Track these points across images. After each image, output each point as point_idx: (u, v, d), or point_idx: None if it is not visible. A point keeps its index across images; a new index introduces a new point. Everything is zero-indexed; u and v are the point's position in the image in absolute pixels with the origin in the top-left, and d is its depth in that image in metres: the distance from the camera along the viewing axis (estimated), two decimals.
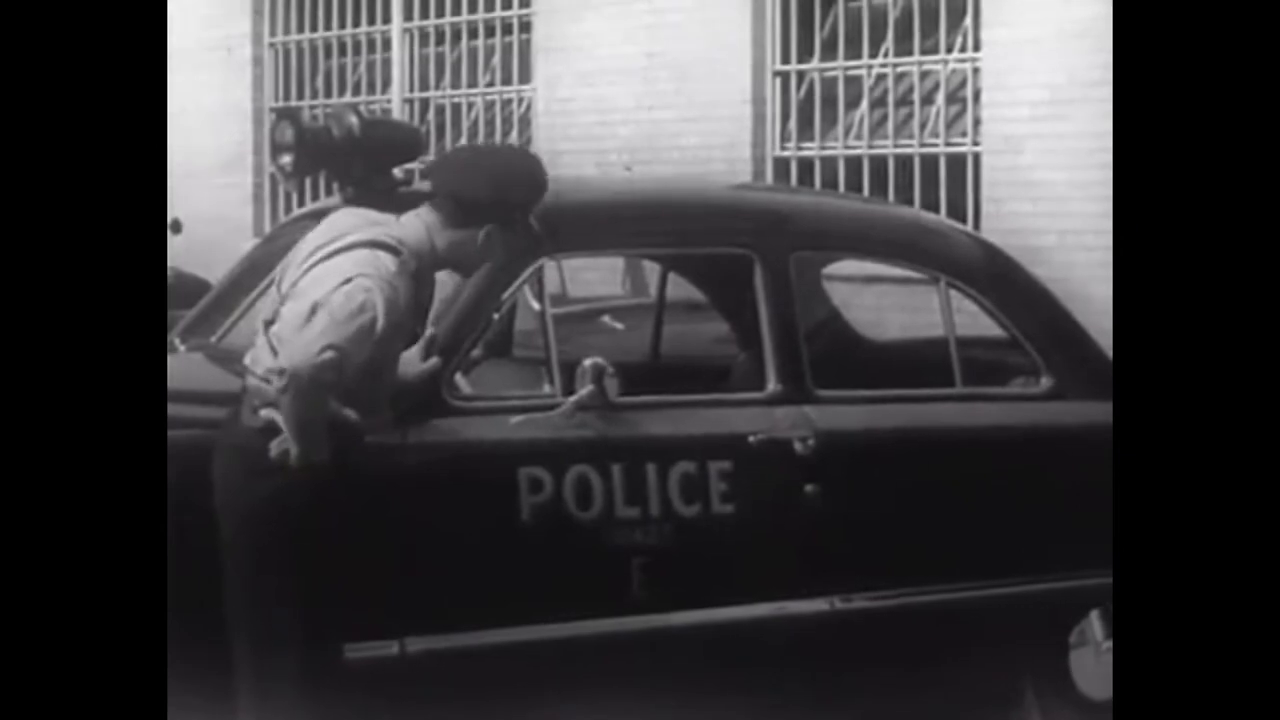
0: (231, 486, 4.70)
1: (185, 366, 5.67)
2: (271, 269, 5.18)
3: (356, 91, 13.86)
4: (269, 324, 4.77)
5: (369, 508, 4.77)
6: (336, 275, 4.63)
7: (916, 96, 10.82)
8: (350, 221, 4.82)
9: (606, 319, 9.06)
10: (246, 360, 4.79)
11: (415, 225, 4.79)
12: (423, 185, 5.31)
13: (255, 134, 14.35)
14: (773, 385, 5.62)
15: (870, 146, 10.99)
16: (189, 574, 4.49)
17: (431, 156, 13.20)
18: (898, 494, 5.69)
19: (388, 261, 4.66)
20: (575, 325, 8.30)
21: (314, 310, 4.58)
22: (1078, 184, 9.65)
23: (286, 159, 5.57)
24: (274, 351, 4.64)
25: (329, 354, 4.49)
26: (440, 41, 13.40)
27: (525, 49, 12.75)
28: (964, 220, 9.88)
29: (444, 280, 5.52)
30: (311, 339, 4.51)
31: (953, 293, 5.98)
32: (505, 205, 4.82)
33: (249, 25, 14.51)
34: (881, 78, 10.94)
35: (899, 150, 10.83)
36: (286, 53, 14.47)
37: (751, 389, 5.68)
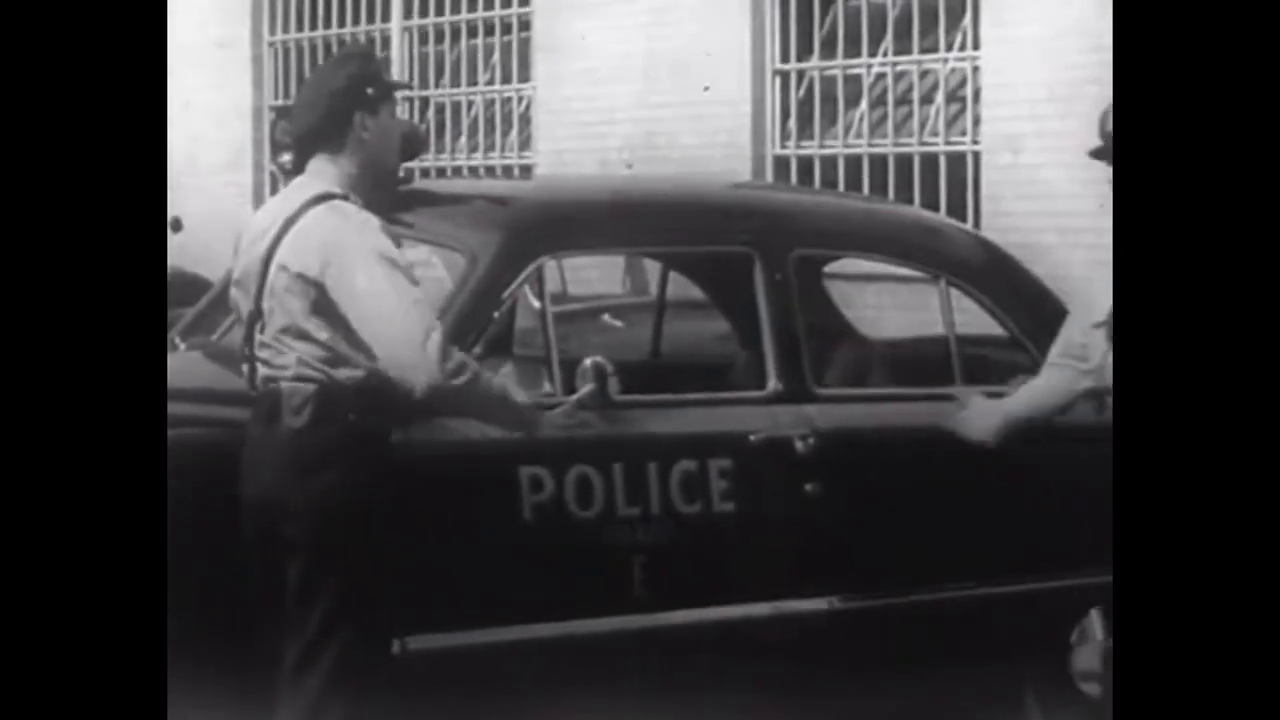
0: (285, 489, 4.65)
1: (185, 365, 5.66)
2: None
3: None
4: (264, 327, 4.74)
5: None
6: (313, 241, 4.62)
7: (916, 95, 10.82)
8: (269, 213, 4.84)
9: (607, 317, 9.05)
10: (264, 372, 4.75)
11: (325, 168, 4.79)
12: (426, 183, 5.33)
13: (255, 132, 14.35)
14: (773, 384, 5.62)
15: (870, 145, 10.99)
16: (188, 573, 4.49)
17: (431, 155, 13.22)
18: (898, 493, 5.69)
19: (345, 206, 4.69)
20: (575, 324, 8.29)
21: (325, 269, 4.59)
22: (1078, 183, 9.64)
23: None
24: (301, 339, 4.64)
25: (435, 335, 4.55)
26: (440, 40, 13.40)
27: (525, 48, 12.76)
28: (964, 219, 9.88)
29: (444, 279, 5.51)
30: (412, 336, 4.55)
31: (953, 291, 5.97)
32: (356, 81, 4.82)
33: (249, 24, 14.51)
34: (881, 76, 10.94)
35: (899, 149, 10.82)
36: (286, 52, 14.47)
37: (752, 387, 5.68)
